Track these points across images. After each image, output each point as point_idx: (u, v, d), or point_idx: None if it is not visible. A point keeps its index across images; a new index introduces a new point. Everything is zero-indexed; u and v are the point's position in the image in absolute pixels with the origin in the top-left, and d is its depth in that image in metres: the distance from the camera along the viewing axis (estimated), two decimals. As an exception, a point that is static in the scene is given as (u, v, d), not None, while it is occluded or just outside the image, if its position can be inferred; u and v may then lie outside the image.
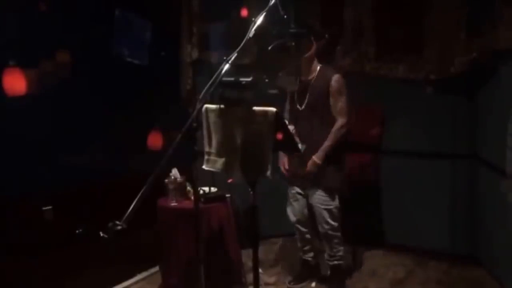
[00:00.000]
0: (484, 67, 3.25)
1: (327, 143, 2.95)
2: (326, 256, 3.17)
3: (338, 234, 3.09)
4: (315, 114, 3.00)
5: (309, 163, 2.97)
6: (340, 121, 2.96)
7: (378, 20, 3.75)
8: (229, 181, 3.08)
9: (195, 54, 3.97)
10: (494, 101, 3.20)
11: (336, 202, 3.03)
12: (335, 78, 2.94)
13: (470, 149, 3.53)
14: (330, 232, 3.05)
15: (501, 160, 2.99)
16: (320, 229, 3.07)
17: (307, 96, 3.01)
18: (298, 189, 3.13)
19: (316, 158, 2.95)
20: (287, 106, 3.20)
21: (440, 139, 3.62)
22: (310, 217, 3.15)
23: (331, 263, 3.15)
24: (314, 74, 3.02)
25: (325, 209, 3.01)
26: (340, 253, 3.13)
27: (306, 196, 3.10)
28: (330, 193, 3.01)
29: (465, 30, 3.28)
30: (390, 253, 3.75)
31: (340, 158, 3.06)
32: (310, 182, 3.03)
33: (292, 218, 3.19)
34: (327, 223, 3.02)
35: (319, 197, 3.01)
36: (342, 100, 2.96)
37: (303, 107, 3.03)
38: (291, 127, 2.93)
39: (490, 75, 3.23)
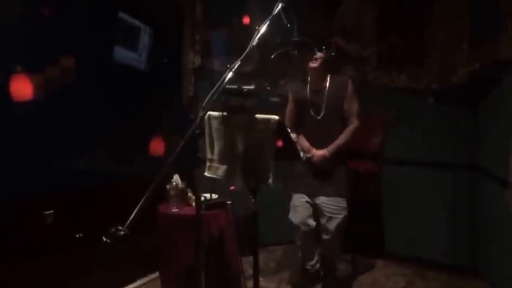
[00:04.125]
0: (487, 78, 3.26)
1: (339, 141, 3.00)
2: (322, 261, 3.16)
3: (339, 244, 3.08)
4: (333, 121, 3.04)
5: (319, 153, 2.98)
6: (355, 123, 3.03)
7: (380, 29, 3.77)
8: (232, 188, 3.08)
9: (197, 61, 3.99)
10: (496, 111, 3.20)
11: (346, 212, 3.01)
12: (350, 83, 3.04)
13: (471, 159, 3.53)
14: (333, 241, 3.03)
15: (503, 171, 2.99)
16: (324, 236, 3.05)
17: (324, 105, 3.03)
18: (306, 197, 3.10)
19: (327, 150, 2.98)
20: (289, 114, 3.20)
21: (441, 149, 3.62)
22: (315, 227, 3.12)
23: (326, 268, 3.15)
24: (326, 83, 3.05)
25: (335, 218, 2.98)
26: (337, 263, 3.13)
27: (312, 205, 3.09)
28: (342, 199, 2.99)
29: (468, 40, 3.29)
30: (390, 263, 3.74)
31: (346, 164, 3.10)
32: (318, 189, 3.02)
33: (297, 222, 3.14)
34: (332, 232, 3.00)
35: (330, 207, 2.99)
36: (356, 103, 3.04)
37: (321, 116, 3.04)
38: (293, 135, 2.94)
39: (492, 85, 3.23)
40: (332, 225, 2.99)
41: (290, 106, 3.21)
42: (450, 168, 3.60)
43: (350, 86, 3.03)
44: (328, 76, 3.07)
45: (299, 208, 3.11)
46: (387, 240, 3.88)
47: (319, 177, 3.03)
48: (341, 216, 2.99)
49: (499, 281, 3.17)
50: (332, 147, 2.99)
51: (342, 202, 3.00)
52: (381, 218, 3.90)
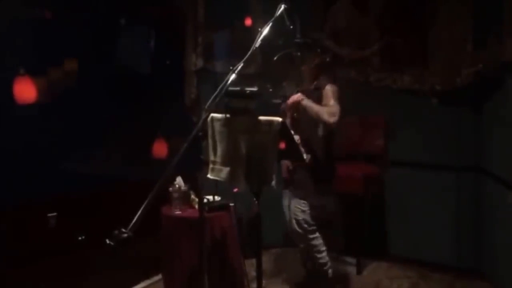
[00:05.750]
0: (491, 79, 3.24)
1: (314, 105, 2.88)
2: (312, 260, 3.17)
3: (312, 242, 3.06)
4: (310, 122, 2.98)
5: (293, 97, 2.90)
6: (331, 113, 2.84)
7: (383, 30, 3.76)
8: (235, 190, 3.08)
9: (200, 63, 3.99)
10: (501, 113, 3.19)
11: (305, 215, 3.00)
12: (328, 86, 2.94)
13: (475, 161, 3.51)
14: (298, 239, 3.08)
15: (508, 173, 2.97)
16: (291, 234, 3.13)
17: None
18: (286, 201, 3.16)
19: (303, 97, 2.87)
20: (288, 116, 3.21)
21: (445, 151, 3.60)
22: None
23: (315, 268, 3.15)
24: (313, 85, 3.05)
25: (294, 218, 3.04)
26: (321, 261, 3.10)
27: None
28: (302, 202, 3.01)
29: (472, 41, 3.28)
30: (394, 265, 3.72)
31: (321, 169, 3.01)
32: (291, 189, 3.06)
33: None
34: (294, 230, 3.05)
35: (292, 207, 3.06)
36: (334, 102, 2.88)
37: (300, 115, 3.02)
38: (296, 137, 2.93)
39: (496, 87, 3.22)
40: (293, 226, 3.04)
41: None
42: (454, 169, 3.58)
43: (326, 90, 2.92)
44: (319, 78, 3.05)
45: (285, 211, 3.20)
46: (391, 242, 3.87)
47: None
48: (299, 218, 3.01)
49: (503, 282, 3.16)
50: (308, 101, 2.87)
51: (304, 204, 3.01)
52: (384, 220, 3.88)
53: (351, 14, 3.87)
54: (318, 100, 2.95)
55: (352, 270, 3.56)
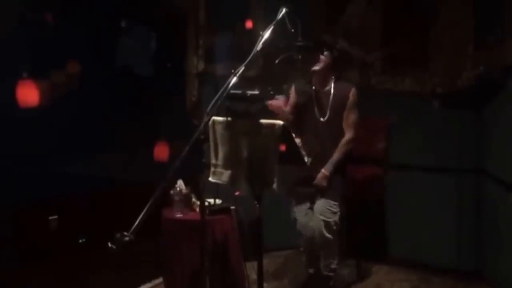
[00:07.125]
0: (492, 81, 3.24)
1: (335, 157, 3.01)
2: (321, 264, 3.14)
3: (333, 247, 3.05)
4: (337, 125, 3.06)
5: (319, 176, 2.99)
6: (348, 135, 3.03)
7: (384, 33, 3.76)
8: (237, 193, 3.07)
9: (201, 66, 3.99)
10: (502, 115, 3.18)
11: (336, 217, 2.99)
12: (353, 92, 3.05)
13: (476, 164, 3.51)
14: (324, 243, 3.02)
15: (508, 175, 2.97)
16: (316, 239, 3.05)
17: (329, 108, 3.06)
18: (304, 205, 3.10)
19: (325, 170, 2.99)
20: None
21: (446, 153, 3.60)
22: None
23: (323, 272, 3.13)
24: (330, 86, 3.07)
25: (324, 220, 2.97)
26: (333, 266, 3.09)
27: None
28: (334, 203, 2.98)
29: (473, 43, 3.29)
30: (395, 268, 3.71)
31: (345, 168, 3.09)
32: (317, 193, 3.01)
33: (307, 233, 3.12)
34: (323, 235, 2.98)
35: (322, 208, 2.99)
36: (355, 114, 3.05)
37: (325, 118, 3.07)
38: (297, 140, 2.93)
39: (497, 89, 3.22)
40: (322, 229, 2.97)
41: (290, 109, 3.21)
42: (455, 172, 3.58)
43: (352, 96, 3.04)
44: (333, 78, 3.08)
45: (304, 217, 3.12)
46: (391, 245, 3.86)
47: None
48: (330, 221, 2.96)
49: (505, 285, 3.15)
50: (329, 166, 3.00)
51: (335, 206, 2.99)
52: (385, 223, 3.88)
53: (363, 15, 3.86)
54: (343, 103, 3.02)
55: (352, 273, 3.55)
